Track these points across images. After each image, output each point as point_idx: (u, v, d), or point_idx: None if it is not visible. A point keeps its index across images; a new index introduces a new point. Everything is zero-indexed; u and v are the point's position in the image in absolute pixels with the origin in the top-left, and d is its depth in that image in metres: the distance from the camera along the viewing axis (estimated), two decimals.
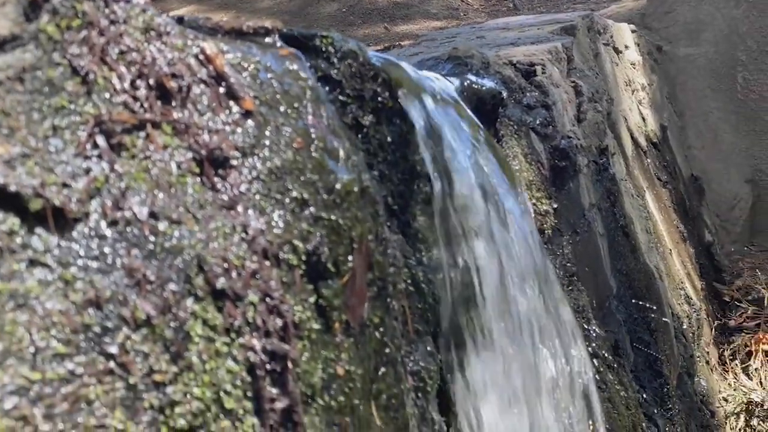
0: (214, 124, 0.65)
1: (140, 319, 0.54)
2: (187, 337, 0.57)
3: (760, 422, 3.37)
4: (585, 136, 2.29)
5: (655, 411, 2.28)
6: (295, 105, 0.74)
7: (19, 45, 0.53)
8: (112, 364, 0.53)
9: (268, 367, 0.64)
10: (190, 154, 0.63)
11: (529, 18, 3.30)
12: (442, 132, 1.03)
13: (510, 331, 1.09)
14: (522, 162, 1.59)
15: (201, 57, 0.67)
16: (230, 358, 0.61)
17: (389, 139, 0.98)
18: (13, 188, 0.50)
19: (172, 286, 0.56)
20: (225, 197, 0.64)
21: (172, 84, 0.62)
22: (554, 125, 1.81)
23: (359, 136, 0.93)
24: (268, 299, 0.64)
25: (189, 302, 0.57)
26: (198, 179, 0.63)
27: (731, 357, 3.68)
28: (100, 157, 0.57)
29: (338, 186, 0.75)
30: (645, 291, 2.52)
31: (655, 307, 2.56)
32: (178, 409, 0.56)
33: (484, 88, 1.41)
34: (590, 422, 1.22)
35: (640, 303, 2.43)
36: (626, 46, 3.92)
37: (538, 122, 1.74)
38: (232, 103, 0.67)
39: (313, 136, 0.74)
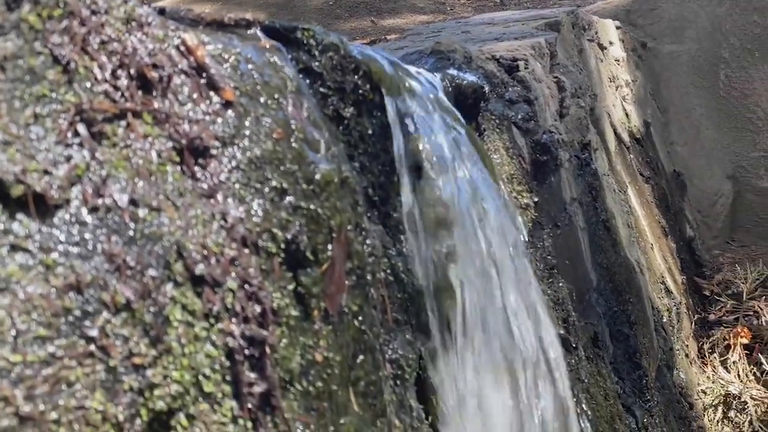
0: (195, 114, 0.67)
1: (120, 304, 0.56)
2: (166, 321, 0.58)
3: (737, 414, 3.44)
4: (567, 131, 2.32)
5: (634, 402, 2.32)
6: (276, 96, 0.75)
7: (0, 34, 0.54)
8: (92, 347, 0.54)
9: (246, 352, 0.66)
10: (170, 143, 0.64)
11: (515, 13, 3.33)
12: (420, 125, 1.04)
13: (487, 320, 1.12)
14: (503, 156, 1.61)
15: (182, 48, 0.68)
16: (209, 343, 0.62)
17: (370, 131, 1.00)
18: None
19: (151, 272, 0.58)
20: (205, 186, 0.65)
21: (153, 74, 0.64)
22: (536, 120, 1.83)
23: (340, 127, 0.95)
24: (246, 286, 0.66)
25: (168, 288, 0.59)
26: (178, 168, 0.64)
27: (710, 350, 3.74)
28: (81, 145, 0.58)
29: (318, 176, 0.77)
30: (625, 284, 2.56)
31: (634, 301, 2.60)
32: (157, 392, 0.57)
33: (465, 82, 1.43)
34: (561, 403, 1.25)
35: (621, 296, 2.47)
36: (611, 43, 3.95)
37: (520, 117, 1.76)
38: (212, 93, 0.68)
39: (293, 127, 0.75)
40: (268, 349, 0.67)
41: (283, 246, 0.72)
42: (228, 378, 0.64)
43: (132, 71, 0.62)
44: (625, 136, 3.81)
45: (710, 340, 3.80)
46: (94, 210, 0.57)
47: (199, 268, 0.60)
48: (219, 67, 0.70)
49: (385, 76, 1.00)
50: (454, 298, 1.14)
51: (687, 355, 3.56)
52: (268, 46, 0.79)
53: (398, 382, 1.01)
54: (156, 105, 0.63)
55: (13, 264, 0.52)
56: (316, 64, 0.88)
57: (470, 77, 1.46)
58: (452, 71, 1.44)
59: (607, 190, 2.80)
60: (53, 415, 0.52)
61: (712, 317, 4.02)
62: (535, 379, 1.20)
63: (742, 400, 3.44)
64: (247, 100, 0.71)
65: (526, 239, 1.27)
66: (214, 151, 0.67)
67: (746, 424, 3.36)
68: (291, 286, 0.74)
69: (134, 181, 0.60)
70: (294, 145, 0.75)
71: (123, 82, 0.61)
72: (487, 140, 1.57)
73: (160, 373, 0.58)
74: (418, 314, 1.10)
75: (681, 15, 4.65)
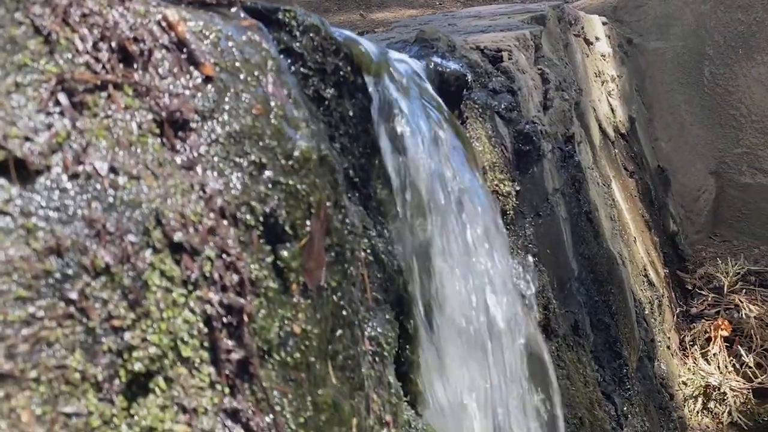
0: (175, 87, 0.68)
1: (100, 268, 0.57)
2: (144, 286, 0.60)
3: (717, 405, 3.49)
4: (551, 123, 2.35)
5: (614, 390, 2.36)
6: (256, 73, 0.77)
7: None
8: (72, 308, 0.56)
9: (224, 319, 0.67)
10: (150, 116, 0.66)
11: (501, 7, 3.35)
12: (400, 109, 1.06)
13: (463, 301, 1.14)
14: (485, 144, 1.64)
15: (163, 23, 0.69)
16: (187, 309, 0.64)
17: (351, 113, 1.02)
18: None
19: (130, 238, 0.59)
20: (184, 157, 0.66)
21: (134, 48, 0.65)
22: (519, 110, 1.86)
23: (321, 108, 0.96)
24: (224, 255, 0.67)
25: (147, 253, 0.60)
26: (158, 139, 0.66)
27: (692, 342, 3.80)
28: (62, 114, 0.59)
29: (296, 153, 0.78)
30: (607, 275, 2.60)
31: (616, 292, 2.64)
32: (135, 354, 0.59)
33: (448, 70, 1.45)
34: (537, 387, 1.27)
35: (602, 287, 2.51)
36: (597, 38, 3.99)
37: (503, 106, 1.79)
38: (192, 68, 0.70)
39: (273, 104, 0.77)
40: (245, 318, 0.69)
41: (261, 219, 0.74)
42: (206, 344, 0.66)
43: (113, 44, 0.64)
44: (610, 131, 3.85)
45: (692, 332, 3.85)
46: (74, 177, 0.58)
47: (178, 236, 0.62)
48: (199, 43, 0.71)
49: (366, 59, 1.02)
50: (432, 280, 1.16)
51: (668, 347, 3.60)
52: (249, 25, 0.80)
53: (377, 358, 1.03)
54: (137, 78, 0.65)
55: None
56: (297, 44, 0.90)
57: (453, 65, 1.48)
58: (436, 59, 1.46)
59: (591, 182, 2.83)
60: (33, 374, 0.54)
61: (693, 310, 4.08)
62: (509, 359, 1.23)
63: (722, 391, 3.49)
64: (227, 76, 0.73)
65: (502, 225, 1.30)
66: (193, 125, 0.68)
67: (725, 414, 3.41)
68: (269, 259, 0.76)
69: (114, 150, 0.61)
70: (273, 121, 0.76)
71: (104, 54, 0.63)
72: (470, 128, 1.59)
73: (138, 335, 0.59)
74: (397, 294, 1.12)
75: (666, 12, 4.69)
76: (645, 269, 3.53)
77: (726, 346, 3.70)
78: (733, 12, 4.42)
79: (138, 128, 0.64)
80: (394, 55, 1.28)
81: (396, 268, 1.11)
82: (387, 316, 1.09)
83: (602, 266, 2.58)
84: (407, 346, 1.13)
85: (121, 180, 0.60)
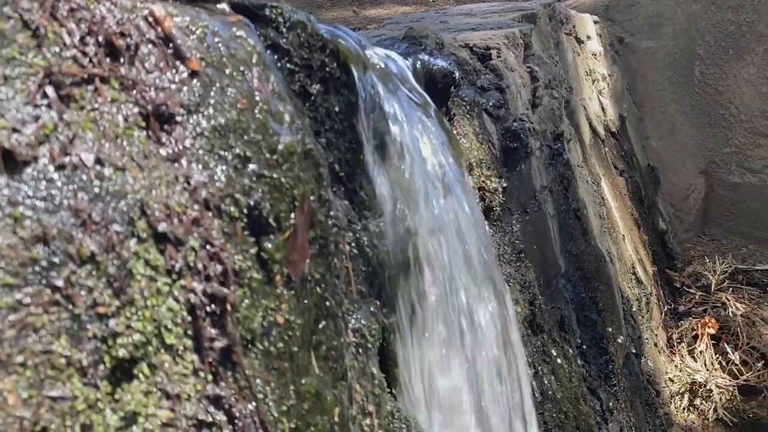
0: (161, 82, 0.70)
1: (85, 256, 0.59)
2: (129, 274, 0.62)
3: (703, 402, 3.53)
4: (540, 121, 2.37)
5: (599, 386, 2.38)
6: (241, 68, 0.78)
7: None
8: (57, 295, 0.58)
9: (208, 308, 0.69)
10: (136, 109, 0.67)
11: (494, 5, 3.37)
12: (386, 105, 1.08)
13: (447, 297, 1.16)
14: (473, 141, 1.66)
15: (150, 19, 0.71)
16: (171, 298, 0.65)
17: (337, 108, 1.03)
18: None
19: (115, 227, 0.61)
20: (169, 150, 0.68)
21: (121, 42, 0.67)
22: (507, 107, 1.88)
23: (307, 103, 0.98)
24: (208, 246, 0.69)
25: (132, 243, 0.62)
26: (144, 132, 0.67)
27: (679, 340, 3.84)
28: (49, 106, 0.61)
29: (281, 147, 0.80)
30: (595, 272, 2.62)
31: (603, 288, 2.67)
32: (120, 340, 0.61)
33: (436, 67, 1.47)
34: (517, 381, 1.30)
35: (589, 283, 2.53)
36: (588, 37, 4.01)
37: (491, 104, 1.81)
38: (178, 63, 0.72)
39: (258, 98, 0.79)
40: (229, 307, 0.71)
41: (245, 211, 0.76)
42: (189, 332, 0.68)
43: (100, 38, 0.65)
44: (601, 130, 3.88)
45: (679, 330, 3.89)
46: (61, 167, 0.60)
47: (162, 226, 0.64)
48: (186, 39, 0.73)
49: (352, 55, 1.04)
50: (417, 274, 1.18)
51: (656, 344, 3.64)
52: (235, 21, 0.82)
53: (361, 350, 1.05)
54: (123, 72, 0.67)
55: None
56: (284, 40, 0.92)
57: (441, 62, 1.50)
58: (423, 56, 1.48)
59: (580, 180, 2.86)
60: (20, 358, 0.55)
61: (681, 308, 4.12)
62: (492, 356, 1.25)
63: (708, 388, 3.53)
64: (213, 71, 0.75)
65: (486, 223, 1.32)
66: (179, 118, 0.70)
67: (711, 411, 3.45)
68: (253, 250, 0.78)
69: (101, 142, 0.63)
70: (258, 115, 0.78)
71: (91, 48, 0.64)
72: (457, 125, 1.61)
73: (123, 323, 0.61)
74: (382, 288, 1.14)
75: (658, 12, 4.73)
76: (633, 267, 3.56)
77: (713, 343, 3.74)
78: (724, 12, 4.45)
79: (124, 121, 0.66)
80: (381, 51, 1.30)
81: (380, 261, 1.13)
82: (371, 309, 1.10)
83: (590, 263, 2.61)
84: (391, 339, 1.15)
85: (107, 171, 0.62)
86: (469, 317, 1.20)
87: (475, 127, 1.69)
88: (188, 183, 0.67)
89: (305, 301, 0.87)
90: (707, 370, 3.62)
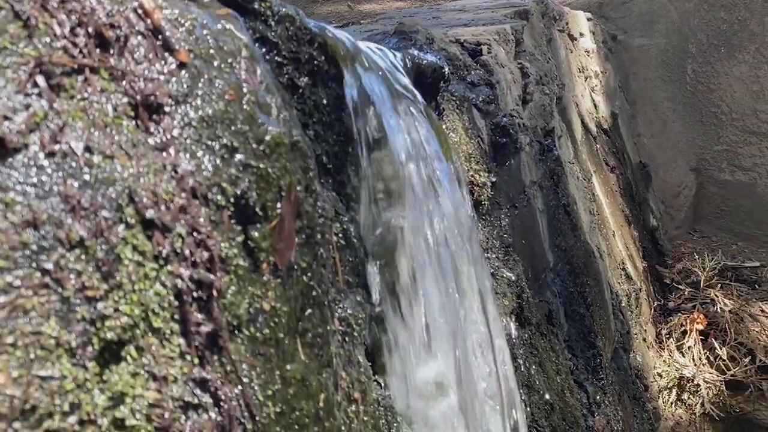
0: (150, 73, 0.71)
1: (74, 240, 0.61)
2: (117, 259, 0.64)
3: (690, 396, 3.57)
4: (530, 116, 2.39)
5: (587, 379, 2.41)
6: (229, 61, 0.80)
7: None
8: (47, 278, 0.59)
9: (194, 294, 0.71)
10: (125, 99, 0.69)
11: (486, 1, 3.39)
12: (374, 99, 1.10)
13: (434, 284, 1.18)
14: (462, 135, 1.68)
15: (139, 11, 0.72)
16: (158, 283, 0.67)
17: (325, 101, 1.05)
18: None
19: (104, 213, 0.63)
20: (158, 139, 0.70)
21: (111, 33, 0.68)
22: (497, 103, 1.90)
23: (295, 96, 1.00)
24: (195, 233, 0.71)
25: (120, 228, 0.64)
26: (133, 122, 0.69)
27: (668, 335, 3.88)
28: (39, 95, 0.62)
29: (268, 137, 0.82)
30: (583, 267, 2.65)
31: (592, 283, 2.70)
32: (108, 323, 0.63)
33: (425, 62, 1.49)
34: (503, 372, 1.32)
35: (578, 278, 2.56)
36: (581, 34, 4.03)
37: (480, 99, 1.83)
38: (167, 54, 0.73)
39: (245, 90, 0.80)
40: (215, 293, 0.73)
41: (232, 200, 0.77)
42: (176, 317, 0.69)
43: (90, 30, 0.67)
44: (592, 126, 3.90)
45: (668, 325, 3.93)
46: (51, 155, 0.61)
47: (150, 213, 0.66)
48: (174, 31, 0.75)
49: (340, 49, 1.05)
50: (405, 266, 1.21)
51: (645, 339, 3.68)
52: (224, 14, 0.84)
53: (347, 338, 1.07)
54: (113, 62, 0.68)
55: None
56: (272, 33, 0.93)
57: (430, 57, 1.52)
58: (413, 51, 1.50)
59: (570, 176, 2.88)
60: (10, 339, 0.57)
61: (671, 304, 4.16)
62: (477, 346, 1.27)
63: (696, 383, 3.57)
64: (201, 63, 0.76)
65: (474, 215, 1.34)
66: (167, 108, 0.72)
67: (698, 405, 3.49)
68: (240, 239, 0.79)
69: (90, 130, 0.64)
70: (245, 107, 0.80)
71: (81, 39, 0.66)
72: (446, 120, 1.63)
73: (111, 306, 0.63)
74: (368, 278, 1.16)
75: (651, 9, 4.75)
76: (623, 263, 3.59)
77: (701, 339, 3.78)
78: (716, 11, 4.48)
79: (113, 110, 0.68)
80: (371, 46, 1.31)
81: (368, 252, 1.15)
82: (358, 299, 1.13)
83: (579, 258, 2.63)
84: (377, 328, 1.17)
85: (96, 159, 0.64)
86: (453, 309, 1.23)
87: (465, 122, 1.71)
88: (176, 171, 0.69)
89: (291, 289, 0.89)
90: (695, 365, 3.66)
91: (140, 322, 0.65)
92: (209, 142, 0.75)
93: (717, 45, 4.52)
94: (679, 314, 3.97)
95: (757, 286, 4.14)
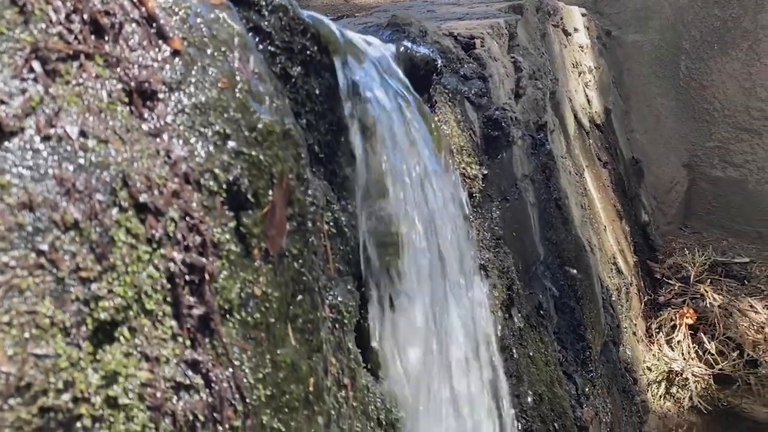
0: (144, 60, 0.73)
1: (69, 223, 0.62)
2: (111, 241, 0.65)
3: (679, 390, 3.61)
4: (523, 110, 2.41)
5: (575, 371, 2.44)
6: (222, 49, 0.82)
7: None
8: (42, 259, 0.61)
9: (187, 277, 0.73)
10: (120, 85, 0.70)
11: None
12: (365, 90, 1.11)
13: (425, 274, 1.20)
14: (454, 128, 1.69)
15: None
16: (151, 265, 0.69)
17: (317, 91, 1.07)
18: None
19: (98, 196, 0.64)
20: (151, 125, 0.71)
21: (105, 21, 0.69)
22: (489, 96, 1.92)
23: (287, 85, 1.01)
24: (188, 218, 0.72)
25: (114, 212, 0.65)
26: (127, 108, 0.70)
27: (658, 330, 3.91)
28: (35, 80, 0.64)
29: (260, 125, 0.83)
30: (574, 261, 2.67)
31: (582, 277, 2.72)
32: (101, 304, 0.64)
33: (418, 54, 1.50)
34: (490, 359, 1.34)
35: (568, 272, 2.58)
36: (576, 29, 4.05)
37: (473, 92, 1.84)
38: (161, 42, 0.75)
39: (238, 78, 0.82)
40: (207, 277, 0.74)
41: (224, 186, 0.79)
42: (169, 299, 0.71)
43: (85, 16, 0.68)
44: (586, 121, 3.92)
45: (658, 320, 3.97)
46: (46, 138, 0.63)
47: (143, 197, 0.67)
48: (169, 19, 0.76)
49: (333, 39, 1.07)
50: (395, 255, 1.22)
51: (635, 333, 3.71)
52: (218, 4, 0.85)
53: (337, 325, 1.09)
54: (107, 49, 0.70)
55: None
56: (265, 23, 0.95)
57: (423, 50, 1.53)
58: (406, 43, 1.51)
59: (562, 170, 2.90)
60: (5, 318, 0.59)
61: (661, 299, 4.19)
62: (470, 338, 1.29)
63: (684, 376, 3.61)
64: (195, 51, 0.78)
65: (468, 207, 1.36)
66: (161, 95, 0.73)
67: (686, 399, 3.53)
68: (232, 224, 0.81)
69: (85, 115, 0.66)
70: (238, 95, 0.81)
71: (76, 26, 0.67)
72: (439, 112, 1.65)
73: (104, 287, 0.64)
74: (359, 267, 1.18)
75: (646, 5, 4.77)
76: (614, 257, 3.62)
77: (690, 333, 3.82)
78: (710, 7, 4.51)
79: (108, 96, 0.69)
80: (364, 37, 1.33)
81: (359, 241, 1.17)
82: (348, 287, 1.14)
83: (570, 252, 2.66)
84: (368, 316, 1.19)
85: (91, 143, 0.65)
86: (444, 297, 1.24)
87: (457, 115, 1.72)
88: (169, 157, 0.71)
89: (282, 275, 0.90)
90: (684, 359, 3.70)
91: (133, 304, 0.67)
92: (202, 129, 0.76)
93: (710, 42, 4.54)
94: (669, 309, 4.00)
95: (746, 282, 4.19)
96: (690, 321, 3.93)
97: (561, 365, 2.31)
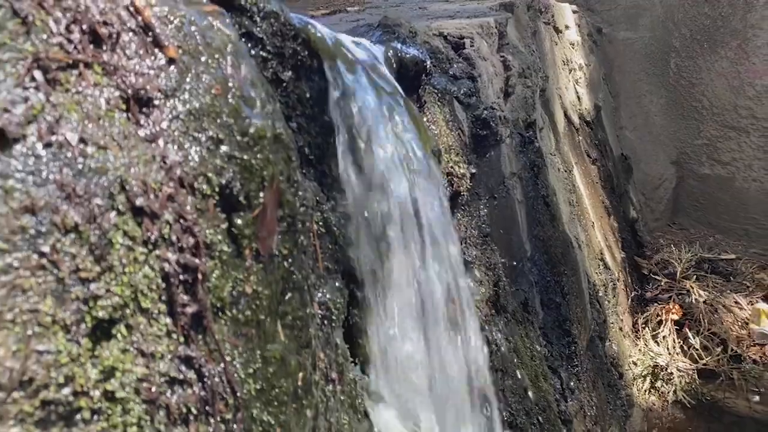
0: (141, 68, 0.76)
1: (69, 226, 0.65)
2: (109, 243, 0.68)
3: (664, 384, 3.67)
4: (512, 109, 2.45)
5: (561, 365, 2.49)
6: (216, 56, 0.85)
7: None
8: (44, 260, 0.64)
9: (181, 277, 0.76)
10: (117, 93, 0.73)
11: None
12: (355, 93, 1.15)
13: (410, 274, 1.24)
14: (442, 127, 1.73)
15: (131, 8, 0.77)
16: (147, 266, 0.72)
17: (308, 94, 1.10)
18: None
19: (97, 201, 0.67)
20: (147, 131, 0.74)
21: (103, 30, 0.72)
22: (478, 96, 1.95)
23: (279, 89, 1.04)
24: (182, 220, 0.76)
25: (112, 215, 0.69)
26: (124, 114, 0.73)
27: (644, 325, 3.97)
28: (37, 89, 0.67)
29: (252, 130, 0.87)
30: (561, 257, 2.72)
31: (569, 273, 2.77)
32: (100, 302, 0.68)
33: (408, 55, 1.53)
34: (473, 355, 1.38)
35: (555, 268, 2.63)
36: (567, 26, 4.08)
37: (462, 92, 1.88)
38: (157, 50, 0.78)
39: (231, 84, 0.85)
40: (200, 276, 0.78)
41: (217, 189, 0.82)
42: (164, 298, 0.74)
43: (84, 27, 0.71)
44: (575, 118, 3.96)
45: (644, 315, 4.03)
46: (48, 145, 0.66)
47: (140, 201, 0.70)
48: (164, 28, 0.79)
49: (323, 43, 1.10)
50: (382, 254, 1.26)
51: (621, 329, 3.76)
52: (211, 11, 0.88)
53: (326, 322, 1.12)
54: (105, 58, 0.72)
55: None
56: (258, 29, 0.98)
57: (413, 51, 1.56)
58: (396, 44, 1.54)
59: (551, 167, 2.94)
60: (9, 316, 0.62)
61: (648, 294, 4.25)
62: (452, 330, 1.33)
63: (669, 371, 3.67)
64: (189, 58, 0.81)
65: (447, 205, 1.39)
66: (157, 102, 0.76)
67: (671, 393, 3.59)
68: (224, 226, 0.84)
69: (84, 122, 0.69)
70: (231, 101, 0.84)
71: (76, 36, 0.70)
72: (428, 112, 1.68)
73: (103, 287, 0.68)
74: (348, 265, 1.21)
75: (636, 3, 4.81)
76: (602, 253, 3.67)
77: (676, 329, 3.88)
78: (700, 6, 4.55)
79: (106, 104, 0.72)
80: (354, 39, 1.36)
81: (348, 240, 1.21)
82: (337, 284, 1.18)
83: (557, 248, 2.70)
84: (356, 313, 1.23)
85: (90, 149, 0.68)
86: (430, 295, 1.28)
87: (446, 115, 1.76)
88: (164, 162, 0.74)
89: (273, 274, 0.94)
90: (669, 354, 3.76)
91: (130, 302, 0.70)
92: (196, 134, 0.79)
93: (700, 40, 4.59)
94: (656, 304, 4.06)
95: (731, 278, 4.25)
96: (676, 316, 3.99)
97: (546, 360, 2.35)
